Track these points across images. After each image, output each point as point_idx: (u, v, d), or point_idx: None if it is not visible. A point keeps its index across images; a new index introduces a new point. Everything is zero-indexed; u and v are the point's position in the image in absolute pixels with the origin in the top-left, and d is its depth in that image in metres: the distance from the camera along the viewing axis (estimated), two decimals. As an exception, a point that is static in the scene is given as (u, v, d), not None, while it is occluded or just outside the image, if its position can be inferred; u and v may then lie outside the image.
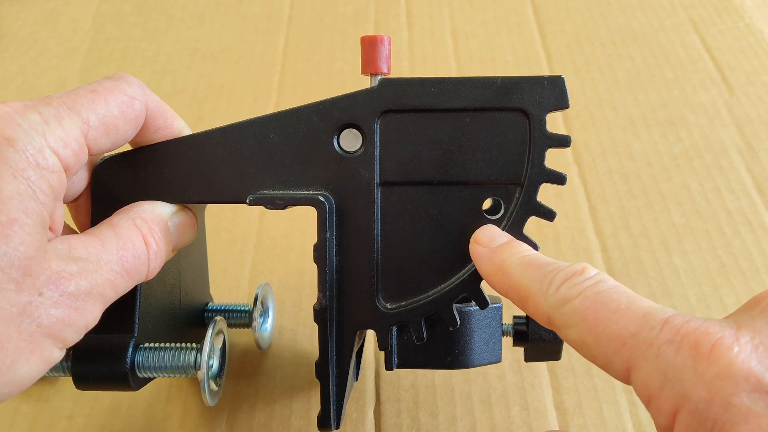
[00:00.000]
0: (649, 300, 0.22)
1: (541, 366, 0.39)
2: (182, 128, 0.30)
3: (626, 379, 0.21)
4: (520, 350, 0.39)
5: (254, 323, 0.37)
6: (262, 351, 0.40)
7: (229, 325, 0.38)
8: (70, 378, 0.39)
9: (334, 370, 0.28)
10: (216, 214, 0.48)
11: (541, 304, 0.24)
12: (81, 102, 0.25)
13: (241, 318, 0.38)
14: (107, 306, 0.25)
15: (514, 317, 0.32)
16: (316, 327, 0.41)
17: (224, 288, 0.44)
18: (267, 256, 0.46)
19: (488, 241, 0.27)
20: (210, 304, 0.39)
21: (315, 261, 0.28)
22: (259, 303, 0.37)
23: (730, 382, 0.18)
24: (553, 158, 0.51)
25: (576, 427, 0.36)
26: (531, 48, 0.61)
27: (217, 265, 0.44)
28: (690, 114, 0.54)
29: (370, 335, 0.40)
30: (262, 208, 0.48)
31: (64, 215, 0.27)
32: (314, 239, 0.43)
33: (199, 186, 0.29)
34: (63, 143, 0.24)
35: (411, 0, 0.67)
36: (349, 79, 0.59)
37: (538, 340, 0.31)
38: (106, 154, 0.30)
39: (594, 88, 0.57)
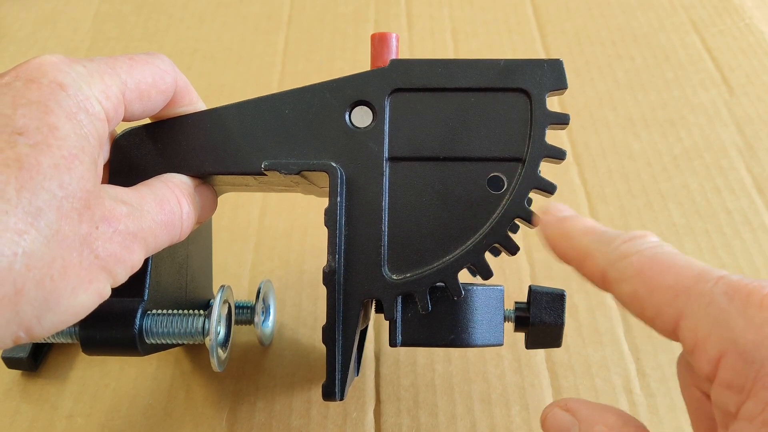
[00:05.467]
0: None
1: (541, 365, 0.39)
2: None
3: (673, 330, 0.22)
4: (521, 349, 0.39)
5: (257, 319, 0.37)
6: (263, 350, 0.40)
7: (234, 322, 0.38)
8: (70, 377, 0.39)
9: (340, 337, 0.29)
10: (216, 214, 0.47)
11: (599, 261, 0.25)
12: (120, 65, 0.27)
13: (243, 314, 0.38)
14: (148, 255, 0.26)
15: (516, 303, 0.32)
16: (316, 326, 0.41)
17: (224, 287, 0.44)
18: (267, 256, 0.46)
19: (556, 212, 0.28)
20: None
21: (326, 224, 0.29)
22: (261, 299, 0.38)
23: None
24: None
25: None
26: (531, 48, 0.61)
27: (218, 264, 0.44)
28: (690, 114, 0.54)
29: (371, 333, 0.41)
30: (262, 207, 0.49)
31: (103, 163, 0.28)
32: (314, 239, 0.43)
33: (215, 157, 0.30)
34: (105, 95, 0.25)
35: (411, 0, 0.67)
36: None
37: (539, 324, 0.31)
38: (126, 127, 0.31)
39: (594, 88, 0.57)
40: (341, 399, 0.29)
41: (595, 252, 0.25)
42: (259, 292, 0.37)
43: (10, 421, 0.37)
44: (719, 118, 0.54)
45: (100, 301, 0.24)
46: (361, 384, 0.38)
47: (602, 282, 0.25)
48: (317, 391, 0.38)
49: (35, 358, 0.39)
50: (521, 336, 0.37)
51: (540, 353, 0.39)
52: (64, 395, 0.39)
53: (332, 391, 0.29)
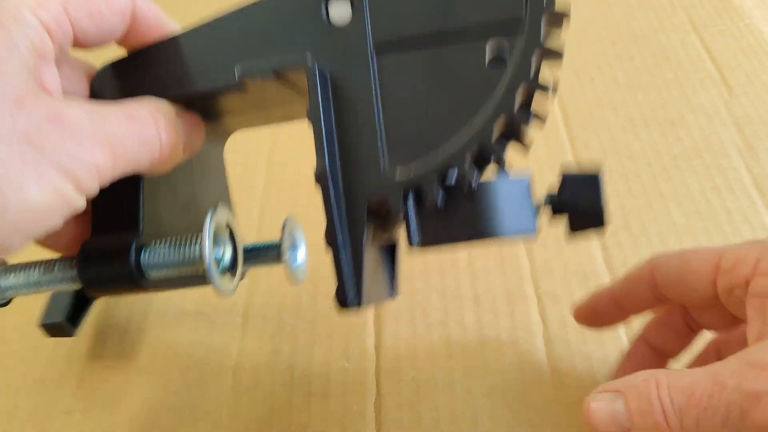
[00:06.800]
0: None
1: (544, 362, 0.39)
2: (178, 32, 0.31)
3: (714, 268, 0.29)
4: (522, 345, 0.39)
5: (285, 257, 0.33)
6: (262, 346, 0.40)
7: (261, 263, 0.34)
8: (68, 372, 0.39)
9: (345, 237, 0.27)
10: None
11: (643, 272, 0.32)
12: None
13: (269, 254, 0.34)
14: (116, 163, 0.25)
15: (548, 194, 0.29)
16: (315, 321, 0.41)
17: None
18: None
19: None
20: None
21: (309, 120, 0.27)
22: (287, 235, 0.34)
23: None
24: (553, 157, 0.51)
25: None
26: (531, 48, 0.61)
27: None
28: (690, 114, 0.55)
29: (370, 327, 0.40)
30: (262, 205, 0.49)
31: (59, 82, 0.27)
32: (314, 239, 0.42)
33: (191, 78, 0.29)
34: (39, 5, 0.25)
35: None
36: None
37: (576, 205, 0.28)
38: (102, 66, 0.30)
39: (594, 88, 0.57)
40: (359, 305, 0.26)
41: (629, 277, 0.32)
42: (283, 229, 0.34)
43: (8, 416, 0.37)
44: (719, 118, 0.54)
45: (65, 204, 0.24)
46: (361, 378, 0.38)
47: (651, 277, 0.31)
48: (317, 386, 0.38)
49: (73, 321, 0.37)
50: (523, 333, 0.37)
51: (541, 349, 0.39)
52: (63, 390, 0.39)
53: (345, 295, 0.26)
